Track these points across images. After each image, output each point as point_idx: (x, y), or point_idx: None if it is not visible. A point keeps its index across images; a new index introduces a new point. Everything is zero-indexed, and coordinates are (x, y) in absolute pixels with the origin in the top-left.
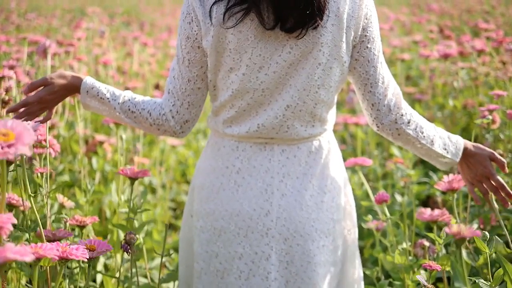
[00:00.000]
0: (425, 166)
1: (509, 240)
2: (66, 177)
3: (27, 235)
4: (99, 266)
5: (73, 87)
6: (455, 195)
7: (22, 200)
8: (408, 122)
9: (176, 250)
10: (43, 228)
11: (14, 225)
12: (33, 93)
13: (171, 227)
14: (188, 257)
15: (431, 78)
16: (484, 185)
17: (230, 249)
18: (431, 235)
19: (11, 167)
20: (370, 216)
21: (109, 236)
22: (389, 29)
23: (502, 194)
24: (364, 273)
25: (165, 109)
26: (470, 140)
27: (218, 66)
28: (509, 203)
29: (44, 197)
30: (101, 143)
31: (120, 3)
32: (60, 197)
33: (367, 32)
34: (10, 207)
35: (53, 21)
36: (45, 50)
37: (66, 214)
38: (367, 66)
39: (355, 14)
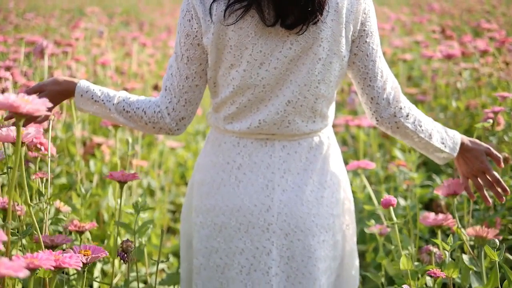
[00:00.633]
0: (428, 168)
1: None
2: (63, 180)
3: (23, 240)
4: (96, 272)
5: (68, 92)
6: (457, 199)
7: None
8: (407, 116)
9: (175, 254)
10: (40, 233)
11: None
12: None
13: (170, 231)
14: (188, 254)
15: (433, 78)
16: (480, 180)
17: (231, 244)
18: (437, 241)
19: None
20: (372, 221)
21: (106, 241)
22: (390, 29)
23: (497, 189)
24: (366, 276)
25: (161, 106)
26: None
27: (218, 62)
28: (504, 197)
29: (44, 203)
30: (99, 145)
31: (119, 3)
32: (57, 202)
33: (366, 27)
34: (4, 212)
35: (52, 21)
36: (42, 50)
37: (62, 219)
38: (366, 61)
39: (354, 9)
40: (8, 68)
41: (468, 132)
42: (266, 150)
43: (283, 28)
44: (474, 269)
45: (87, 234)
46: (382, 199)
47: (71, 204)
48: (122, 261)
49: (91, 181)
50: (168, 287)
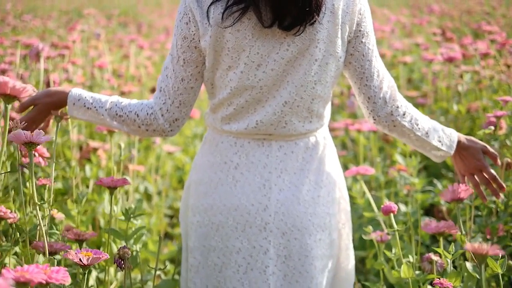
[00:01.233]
0: (429, 173)
1: None
2: (59, 185)
3: (16, 248)
4: (91, 281)
5: (61, 103)
6: (461, 205)
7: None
8: (404, 114)
9: (171, 260)
10: (34, 240)
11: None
12: (25, 111)
13: (168, 236)
14: (186, 253)
15: (434, 81)
16: (476, 177)
17: (228, 244)
18: (439, 250)
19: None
20: (370, 227)
21: (101, 249)
22: (390, 31)
23: (494, 186)
24: (366, 285)
25: (155, 108)
26: None
27: (216, 64)
28: (501, 194)
29: (46, 210)
30: (95, 149)
31: (118, 4)
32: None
33: (361, 27)
34: None
35: (50, 22)
36: (38, 53)
37: (57, 227)
38: (362, 61)
39: (349, 10)
40: (3, 72)
41: (469, 135)
42: (263, 150)
43: (280, 30)
44: (478, 277)
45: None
46: (382, 206)
47: (66, 210)
48: (118, 268)
49: (87, 186)
50: None
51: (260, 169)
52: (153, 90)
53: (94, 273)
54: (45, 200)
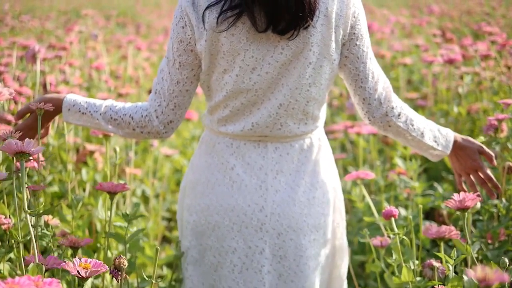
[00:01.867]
0: (429, 175)
1: None
2: (55, 188)
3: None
4: (87, 287)
5: (56, 109)
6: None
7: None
8: (399, 115)
9: (169, 265)
10: (27, 249)
11: None
12: (22, 120)
13: (166, 240)
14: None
15: (434, 83)
16: (472, 177)
17: (223, 244)
18: (441, 255)
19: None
20: (366, 230)
21: (96, 255)
22: (390, 33)
23: (489, 186)
24: None
25: (150, 109)
26: None
27: (212, 68)
28: (495, 194)
29: (40, 218)
30: (91, 152)
31: (117, 4)
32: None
33: (356, 30)
34: None
35: (48, 23)
36: (34, 55)
37: (50, 232)
38: (356, 63)
39: (343, 13)
40: None
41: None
42: (259, 152)
43: (275, 34)
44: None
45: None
46: (383, 211)
47: (62, 215)
48: (114, 279)
49: (84, 190)
50: None
51: (256, 171)
52: (150, 92)
53: (89, 280)
54: (36, 207)
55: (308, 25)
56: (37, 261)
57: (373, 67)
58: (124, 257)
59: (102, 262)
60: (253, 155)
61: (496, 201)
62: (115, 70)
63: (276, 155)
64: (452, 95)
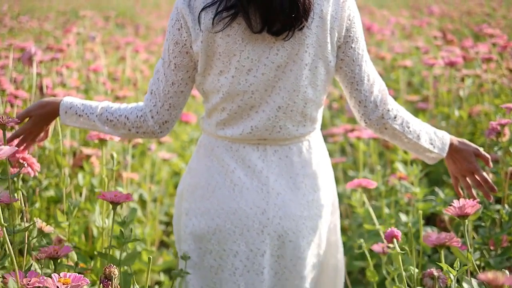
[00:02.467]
0: (430, 180)
1: None
2: (51, 192)
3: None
4: None
5: (54, 112)
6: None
7: None
8: (395, 117)
9: (166, 271)
10: (22, 254)
11: None
12: (22, 123)
13: (163, 245)
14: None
15: (434, 85)
16: (468, 180)
17: (225, 247)
18: (443, 265)
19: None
20: (362, 241)
21: (93, 261)
22: (390, 34)
23: (485, 188)
24: None
25: (145, 109)
26: None
27: (208, 69)
28: (491, 196)
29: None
30: (88, 156)
31: (116, 5)
32: (39, 222)
33: (351, 33)
34: None
35: (47, 24)
36: (30, 57)
37: (45, 240)
38: (352, 65)
39: (338, 16)
40: None
41: (470, 141)
42: (258, 155)
43: (270, 35)
44: None
45: (72, 254)
46: (385, 232)
47: (58, 220)
48: None
49: (80, 194)
50: None
51: (257, 173)
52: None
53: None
54: (30, 213)
55: (303, 27)
56: (18, 279)
57: (369, 70)
58: (114, 266)
59: (82, 276)
60: (253, 158)
61: (498, 207)
62: (113, 72)
63: (276, 158)
64: (453, 98)
